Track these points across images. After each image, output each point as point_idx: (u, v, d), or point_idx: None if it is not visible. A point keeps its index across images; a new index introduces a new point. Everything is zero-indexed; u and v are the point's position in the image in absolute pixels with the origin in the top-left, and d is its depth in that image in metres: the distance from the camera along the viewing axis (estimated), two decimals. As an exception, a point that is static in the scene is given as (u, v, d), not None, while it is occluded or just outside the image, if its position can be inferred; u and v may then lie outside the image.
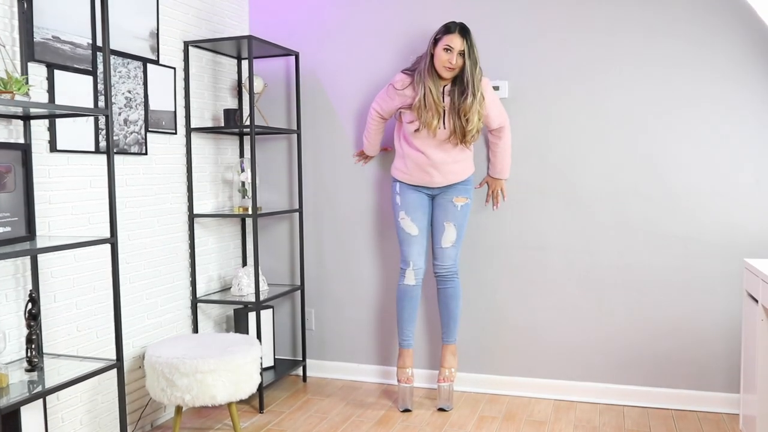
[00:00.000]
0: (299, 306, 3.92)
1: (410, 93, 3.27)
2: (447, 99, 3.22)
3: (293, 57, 3.81)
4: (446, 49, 3.15)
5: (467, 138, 3.24)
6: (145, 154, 3.11)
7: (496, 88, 3.42)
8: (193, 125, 3.45)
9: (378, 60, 3.69)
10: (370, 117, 3.49)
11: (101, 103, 2.80)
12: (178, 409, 2.96)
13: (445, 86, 3.24)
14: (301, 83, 3.83)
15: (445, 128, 3.23)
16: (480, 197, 3.55)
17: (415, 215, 3.38)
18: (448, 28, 3.17)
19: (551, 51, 3.42)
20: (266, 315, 3.64)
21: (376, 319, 3.81)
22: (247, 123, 3.64)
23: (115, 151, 2.90)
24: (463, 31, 3.16)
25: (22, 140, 2.46)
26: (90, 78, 2.76)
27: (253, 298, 3.46)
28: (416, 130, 3.26)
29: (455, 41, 3.14)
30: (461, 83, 3.19)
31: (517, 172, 3.50)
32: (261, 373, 3.19)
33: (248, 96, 3.55)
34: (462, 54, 3.15)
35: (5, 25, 2.41)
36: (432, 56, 3.20)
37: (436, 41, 3.19)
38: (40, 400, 2.44)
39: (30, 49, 2.47)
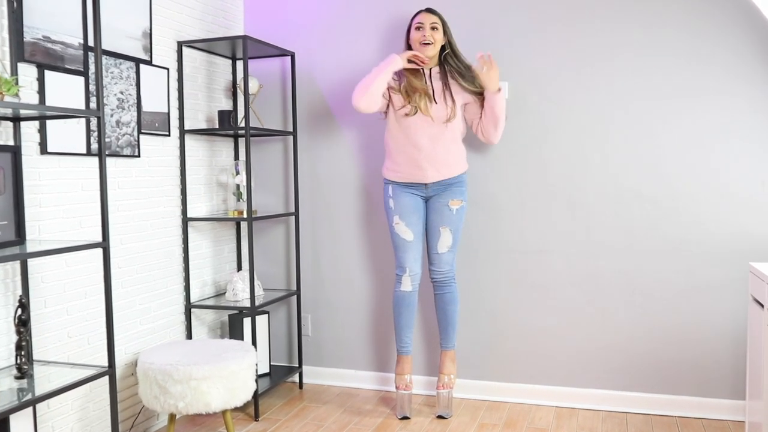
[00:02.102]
0: (295, 311, 3.88)
1: (394, 75, 3.30)
2: (438, 83, 3.27)
3: (289, 57, 3.77)
4: (417, 28, 3.24)
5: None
6: (138, 156, 3.07)
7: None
8: (186, 127, 3.41)
9: (375, 60, 3.63)
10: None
11: (93, 105, 2.77)
12: (172, 417, 2.92)
13: (431, 69, 3.30)
14: (297, 84, 3.79)
15: (437, 104, 3.24)
16: (482, 203, 3.51)
17: (409, 220, 3.32)
18: (417, 12, 3.29)
19: (552, 52, 3.38)
20: (262, 321, 3.59)
21: (374, 325, 3.76)
22: (242, 124, 3.60)
23: (107, 153, 2.86)
24: (431, 9, 3.27)
25: (11, 142, 2.43)
26: (81, 79, 2.72)
27: (248, 304, 3.42)
28: (407, 114, 3.24)
29: (424, 17, 3.24)
30: (448, 62, 3.29)
31: (517, 174, 3.46)
32: (256, 380, 3.16)
33: (243, 97, 3.51)
34: (435, 28, 3.22)
35: (-6, 24, 2.37)
36: (409, 46, 3.29)
37: (408, 30, 3.30)
38: (30, 408, 2.41)
39: (20, 49, 2.43)
